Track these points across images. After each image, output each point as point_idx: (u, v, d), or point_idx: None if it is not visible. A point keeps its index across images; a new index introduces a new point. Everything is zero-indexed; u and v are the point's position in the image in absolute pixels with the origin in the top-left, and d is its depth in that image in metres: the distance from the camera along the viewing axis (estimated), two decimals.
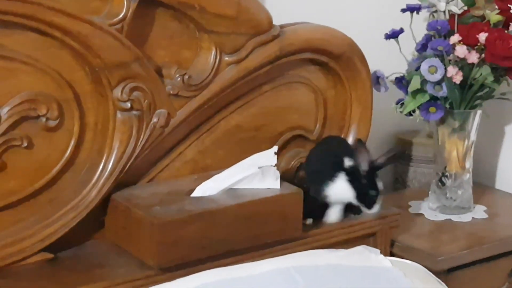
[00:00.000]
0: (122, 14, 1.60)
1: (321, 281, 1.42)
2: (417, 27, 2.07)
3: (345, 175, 1.80)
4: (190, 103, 1.73)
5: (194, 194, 1.68)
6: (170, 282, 1.43)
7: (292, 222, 1.73)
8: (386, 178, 2.36)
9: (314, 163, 1.86)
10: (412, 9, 2.07)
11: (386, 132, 2.32)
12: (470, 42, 1.96)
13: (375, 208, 1.83)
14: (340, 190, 1.80)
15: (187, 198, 1.67)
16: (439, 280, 1.60)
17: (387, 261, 1.56)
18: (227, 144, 1.82)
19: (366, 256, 1.57)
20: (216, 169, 1.76)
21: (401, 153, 1.97)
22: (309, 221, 1.81)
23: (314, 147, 1.91)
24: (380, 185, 1.83)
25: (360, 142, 1.87)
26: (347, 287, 1.41)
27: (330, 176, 1.80)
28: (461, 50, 1.95)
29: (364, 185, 1.80)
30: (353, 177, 1.80)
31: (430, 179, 2.19)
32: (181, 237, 1.59)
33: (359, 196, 1.81)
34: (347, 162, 1.81)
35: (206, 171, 1.77)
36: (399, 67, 2.07)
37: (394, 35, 2.06)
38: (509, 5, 2.02)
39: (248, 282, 1.41)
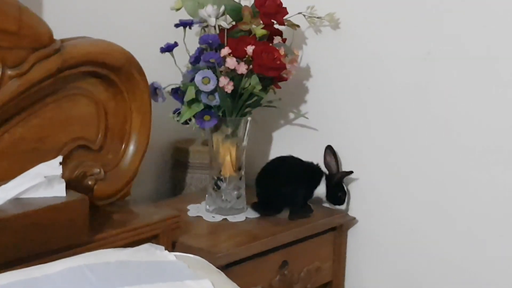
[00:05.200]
0: None
1: (112, 276, 1.47)
2: (190, 41, 2.15)
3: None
4: None
5: None
6: None
7: (78, 227, 1.76)
8: (165, 184, 2.47)
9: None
10: (185, 24, 2.15)
11: (165, 140, 2.40)
12: (239, 55, 2.07)
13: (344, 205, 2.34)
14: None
15: None
16: (218, 270, 1.70)
17: (172, 256, 1.63)
18: (12, 155, 1.82)
19: (152, 252, 1.64)
20: (1, 181, 1.75)
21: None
22: None
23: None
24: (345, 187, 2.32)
25: (329, 148, 2.31)
26: (136, 281, 1.47)
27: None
28: (231, 62, 2.05)
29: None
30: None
31: (207, 183, 2.28)
32: None
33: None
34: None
35: None
36: (175, 79, 2.15)
37: (168, 48, 2.13)
38: (272, 20, 2.16)
39: (43, 282, 1.43)
